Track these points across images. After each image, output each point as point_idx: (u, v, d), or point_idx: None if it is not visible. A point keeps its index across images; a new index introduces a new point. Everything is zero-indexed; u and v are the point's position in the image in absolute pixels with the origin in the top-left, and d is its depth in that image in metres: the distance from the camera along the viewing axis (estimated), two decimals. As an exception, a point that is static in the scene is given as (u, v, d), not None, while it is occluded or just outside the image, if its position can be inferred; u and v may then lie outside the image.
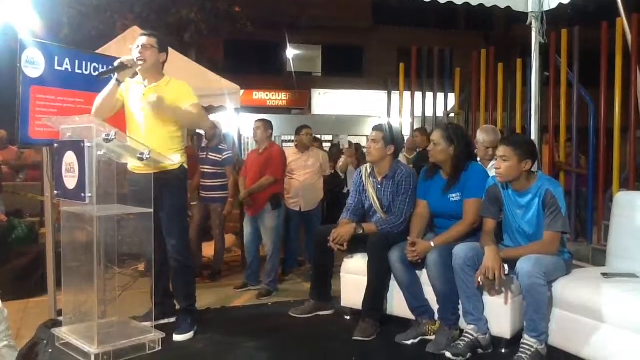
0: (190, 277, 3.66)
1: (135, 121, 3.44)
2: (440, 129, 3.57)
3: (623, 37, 5.03)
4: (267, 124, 5.19)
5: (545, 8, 4.34)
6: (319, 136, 9.75)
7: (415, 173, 3.75)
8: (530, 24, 4.40)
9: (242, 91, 7.16)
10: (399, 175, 3.66)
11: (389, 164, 3.72)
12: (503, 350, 3.15)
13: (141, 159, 3.11)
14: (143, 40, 3.40)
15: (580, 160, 6.31)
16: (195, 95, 3.50)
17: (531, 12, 4.38)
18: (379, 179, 3.73)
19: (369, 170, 3.81)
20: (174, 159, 3.37)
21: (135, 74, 3.46)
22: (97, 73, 3.54)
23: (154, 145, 3.32)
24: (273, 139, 5.40)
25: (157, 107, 3.28)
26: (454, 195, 3.45)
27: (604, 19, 5.24)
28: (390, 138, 3.70)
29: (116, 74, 3.33)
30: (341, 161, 6.77)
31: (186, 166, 3.56)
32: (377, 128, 3.78)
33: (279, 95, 19.15)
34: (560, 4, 4.18)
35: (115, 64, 3.33)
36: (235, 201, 5.44)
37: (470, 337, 3.10)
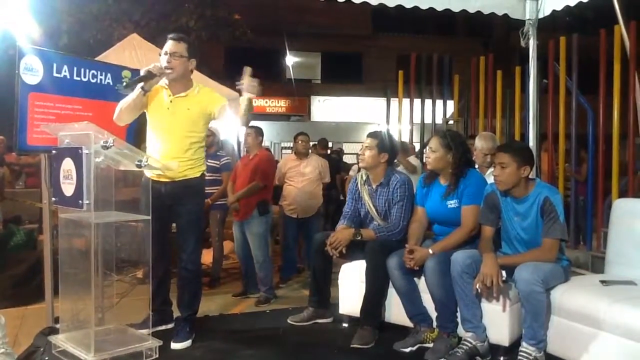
0: (199, 287, 3.65)
1: (158, 127, 3.42)
2: (438, 136, 3.57)
3: (621, 44, 5.04)
4: (258, 131, 5.21)
5: (540, 15, 4.36)
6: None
7: (410, 180, 3.75)
8: (528, 31, 4.42)
9: (241, 98, 7.15)
10: (394, 183, 3.66)
11: (383, 171, 3.72)
12: (501, 358, 3.14)
13: (139, 166, 3.11)
14: (172, 46, 3.32)
15: (581, 168, 6.33)
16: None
17: (528, 19, 4.40)
18: (374, 187, 3.73)
19: (364, 178, 3.81)
20: (172, 166, 3.36)
21: None
22: (124, 84, 3.47)
23: (175, 153, 3.36)
24: (273, 145, 5.42)
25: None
26: (452, 202, 3.45)
27: (602, 26, 5.25)
28: (384, 145, 3.70)
29: (142, 83, 3.26)
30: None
31: (205, 174, 3.59)
32: (371, 135, 3.79)
33: (278, 102, 19.17)
34: (554, 11, 4.20)
35: (142, 72, 3.27)
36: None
37: (469, 344, 3.09)
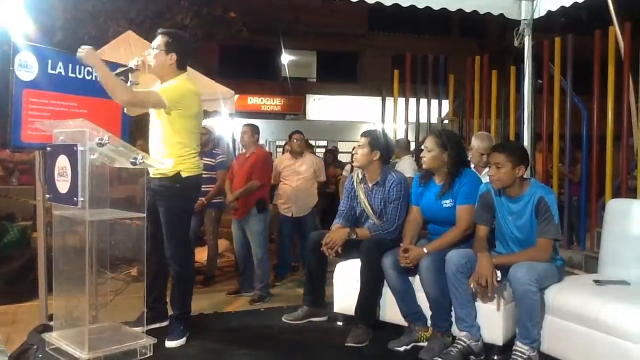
0: (187, 286, 3.61)
1: (150, 122, 3.49)
2: (433, 135, 3.58)
3: (615, 45, 5.07)
4: (254, 129, 5.20)
5: (536, 15, 4.38)
6: (312, 142, 9.76)
7: (406, 179, 3.75)
8: (523, 31, 4.43)
9: (237, 96, 7.15)
10: (390, 182, 3.66)
11: (378, 169, 3.72)
12: (495, 357, 3.16)
13: (134, 164, 3.10)
14: (153, 41, 3.40)
15: (576, 168, 6.36)
16: (175, 98, 3.33)
17: (523, 19, 4.41)
18: (370, 185, 3.74)
19: (360, 176, 3.81)
20: (167, 164, 3.35)
21: None
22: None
23: (152, 148, 3.37)
24: (268, 144, 5.42)
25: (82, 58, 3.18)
26: (447, 201, 3.46)
27: (596, 27, 5.27)
28: (375, 143, 3.69)
29: (130, 76, 3.34)
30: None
31: (184, 175, 3.41)
32: (363, 134, 3.79)
33: (273, 101, 19.15)
34: (550, 11, 4.22)
35: (130, 65, 3.36)
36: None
37: (463, 343, 3.10)
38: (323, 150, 11.39)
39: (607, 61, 5.12)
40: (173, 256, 3.46)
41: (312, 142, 10.80)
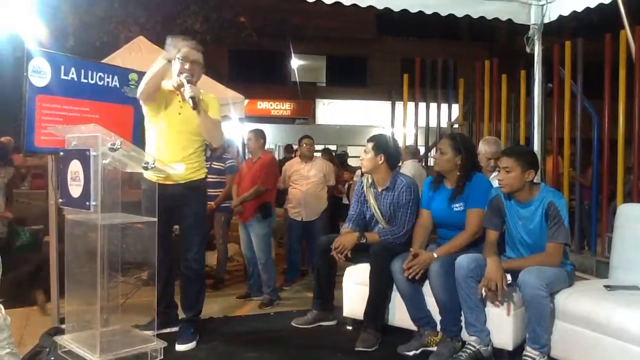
0: (202, 287, 3.70)
1: (168, 131, 3.43)
2: (448, 138, 3.58)
3: (627, 48, 5.04)
4: (259, 134, 5.22)
5: (546, 20, 4.37)
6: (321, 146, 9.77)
7: (416, 184, 3.75)
8: (533, 35, 4.43)
9: (247, 101, 7.18)
10: (399, 186, 3.66)
11: (387, 174, 3.71)
12: (505, 362, 3.15)
13: (146, 168, 3.13)
14: (193, 55, 3.37)
15: (587, 172, 6.33)
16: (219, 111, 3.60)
17: (533, 24, 4.40)
18: (379, 190, 3.74)
19: (370, 181, 3.81)
20: (178, 169, 3.38)
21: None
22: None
23: (183, 155, 3.41)
24: (277, 148, 5.43)
25: (195, 99, 3.25)
26: (457, 205, 3.45)
27: (607, 31, 5.25)
28: (380, 147, 3.69)
29: (166, 60, 3.29)
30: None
31: (207, 176, 3.69)
32: (369, 139, 3.80)
33: (283, 105, 19.20)
34: (561, 16, 4.21)
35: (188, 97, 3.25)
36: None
37: (472, 348, 3.09)
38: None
39: (618, 65, 5.09)
40: (196, 255, 3.54)
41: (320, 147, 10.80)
